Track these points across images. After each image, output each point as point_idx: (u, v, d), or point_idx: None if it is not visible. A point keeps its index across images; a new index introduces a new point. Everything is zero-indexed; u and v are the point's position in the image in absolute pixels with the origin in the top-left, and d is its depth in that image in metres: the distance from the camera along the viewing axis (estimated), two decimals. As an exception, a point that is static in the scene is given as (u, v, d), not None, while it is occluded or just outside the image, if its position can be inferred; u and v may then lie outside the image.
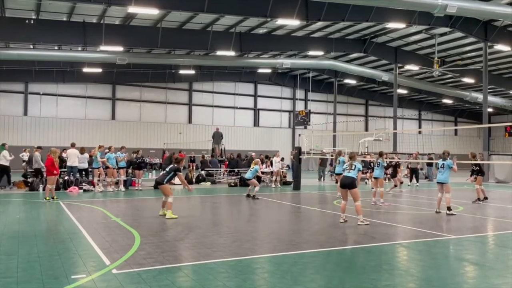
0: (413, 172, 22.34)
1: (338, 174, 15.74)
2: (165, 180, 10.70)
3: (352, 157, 10.42)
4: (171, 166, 10.99)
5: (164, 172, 11.09)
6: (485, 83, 27.53)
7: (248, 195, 15.53)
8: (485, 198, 14.60)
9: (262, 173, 21.95)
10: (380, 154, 14.33)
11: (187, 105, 40.60)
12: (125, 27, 26.16)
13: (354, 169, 9.96)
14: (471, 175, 15.33)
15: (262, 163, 22.39)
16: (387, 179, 24.91)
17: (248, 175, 16.01)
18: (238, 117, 42.65)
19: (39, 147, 18.26)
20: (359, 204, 9.96)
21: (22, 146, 30.29)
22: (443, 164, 11.77)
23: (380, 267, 6.32)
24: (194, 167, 24.96)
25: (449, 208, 11.47)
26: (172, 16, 24.79)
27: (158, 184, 10.93)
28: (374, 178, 14.25)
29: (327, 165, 26.75)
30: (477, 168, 14.81)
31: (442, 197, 11.87)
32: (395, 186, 18.13)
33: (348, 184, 9.94)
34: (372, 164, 19.01)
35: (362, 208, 10.19)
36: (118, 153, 17.79)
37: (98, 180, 17.46)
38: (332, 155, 27.40)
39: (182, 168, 11.39)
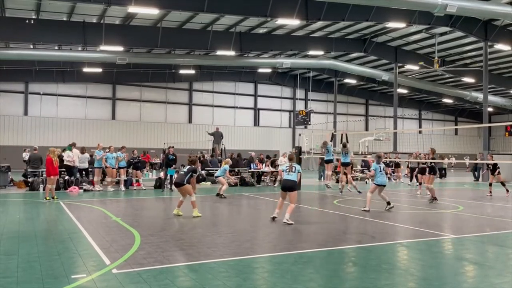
0: (413, 172, 22.32)
1: (327, 162, 16.93)
2: (185, 181, 10.69)
3: (291, 159, 10.44)
4: (189, 167, 10.99)
5: (182, 173, 11.09)
6: (485, 82, 27.53)
7: (218, 194, 15.29)
8: (435, 198, 14.59)
9: (263, 172, 21.99)
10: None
11: (187, 105, 40.61)
12: (125, 27, 26.17)
13: (294, 171, 9.87)
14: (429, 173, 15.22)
15: (262, 162, 22.41)
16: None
17: (217, 173, 16.45)
18: (238, 117, 42.65)
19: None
20: (294, 206, 9.94)
21: (22, 146, 30.38)
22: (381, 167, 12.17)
23: (380, 266, 6.31)
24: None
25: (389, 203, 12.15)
26: (172, 16, 24.79)
27: (178, 185, 10.84)
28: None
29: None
30: (431, 165, 14.96)
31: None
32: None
33: (288, 188, 9.87)
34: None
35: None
36: (119, 153, 17.81)
37: (102, 180, 17.49)
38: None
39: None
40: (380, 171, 12.03)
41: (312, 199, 15.75)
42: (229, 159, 17.76)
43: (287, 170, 9.95)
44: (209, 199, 15.25)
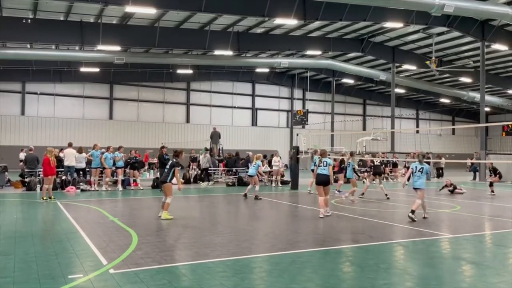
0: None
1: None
2: (168, 179, 10.27)
3: (323, 154, 11.45)
4: (170, 161, 10.44)
5: (165, 170, 10.55)
6: (482, 82, 27.60)
7: (245, 195, 15.03)
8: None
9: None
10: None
11: (185, 105, 40.54)
12: (122, 27, 26.10)
13: (326, 166, 11.03)
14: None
15: (260, 162, 22.38)
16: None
17: (250, 171, 15.39)
18: (236, 117, 42.62)
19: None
20: (328, 198, 11.11)
21: (19, 146, 30.27)
22: (422, 168, 10.64)
23: (377, 266, 6.32)
24: (195, 167, 24.75)
25: (413, 212, 10.32)
26: (170, 16, 24.74)
27: (161, 183, 10.44)
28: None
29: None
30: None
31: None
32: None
33: (324, 182, 11.06)
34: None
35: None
36: (116, 152, 17.77)
37: (100, 179, 17.47)
38: (329, 155, 27.39)
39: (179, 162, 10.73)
40: (414, 172, 10.73)
41: (310, 199, 15.73)
42: (260, 154, 16.34)
43: (319, 165, 10.98)
44: (207, 198, 15.26)
